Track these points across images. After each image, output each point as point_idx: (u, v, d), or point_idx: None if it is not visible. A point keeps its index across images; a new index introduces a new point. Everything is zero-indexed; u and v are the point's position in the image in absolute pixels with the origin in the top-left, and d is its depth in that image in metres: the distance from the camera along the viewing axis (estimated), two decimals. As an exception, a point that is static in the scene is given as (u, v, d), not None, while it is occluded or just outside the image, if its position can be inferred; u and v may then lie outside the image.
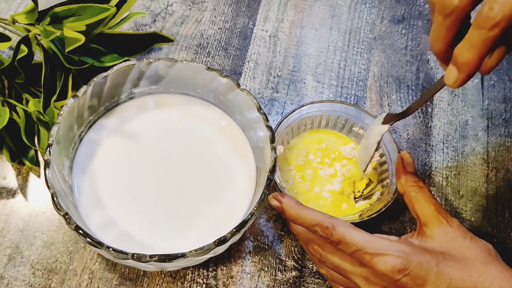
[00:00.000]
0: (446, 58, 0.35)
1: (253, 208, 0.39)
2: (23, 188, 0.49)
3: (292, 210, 0.41)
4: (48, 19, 0.49)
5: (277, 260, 0.47)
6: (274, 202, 0.42)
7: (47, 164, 0.39)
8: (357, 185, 0.50)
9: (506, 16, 0.30)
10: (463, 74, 0.34)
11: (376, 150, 0.45)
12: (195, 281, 0.46)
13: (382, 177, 0.49)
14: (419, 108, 0.41)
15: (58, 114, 0.42)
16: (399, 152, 0.46)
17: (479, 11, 0.31)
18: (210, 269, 0.46)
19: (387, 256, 0.37)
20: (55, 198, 0.38)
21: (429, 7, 0.34)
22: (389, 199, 0.46)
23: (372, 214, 0.45)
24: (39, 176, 0.50)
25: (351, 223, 0.40)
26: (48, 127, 0.49)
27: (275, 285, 0.46)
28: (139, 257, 0.36)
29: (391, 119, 0.44)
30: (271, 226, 0.49)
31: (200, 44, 0.59)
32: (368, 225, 0.49)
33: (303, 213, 0.40)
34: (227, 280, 0.46)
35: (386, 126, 0.44)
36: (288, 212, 0.41)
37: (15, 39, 0.52)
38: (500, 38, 0.32)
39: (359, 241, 0.38)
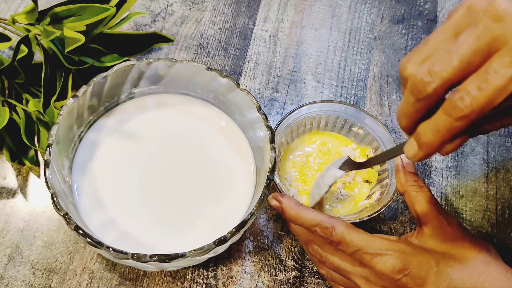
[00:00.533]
0: (411, 131, 0.34)
1: (253, 208, 0.39)
2: (23, 188, 0.49)
3: (292, 211, 0.41)
4: (48, 19, 0.49)
5: (277, 260, 0.47)
6: (274, 202, 0.42)
7: (47, 164, 0.39)
8: (368, 175, 0.50)
9: (475, 110, 0.29)
10: (423, 152, 0.33)
11: (326, 192, 0.45)
12: (195, 281, 0.46)
13: (381, 177, 0.49)
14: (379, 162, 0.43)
15: (58, 114, 0.42)
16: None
17: (450, 96, 0.30)
18: (210, 269, 0.46)
19: (387, 256, 0.37)
20: (55, 198, 0.38)
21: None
22: (389, 199, 0.46)
23: (372, 214, 0.45)
24: (39, 176, 0.50)
25: (351, 223, 0.40)
26: (48, 127, 0.49)
27: (275, 285, 0.46)
28: (139, 257, 0.36)
29: (349, 166, 0.44)
30: (271, 226, 0.49)
31: (200, 44, 0.59)
32: (368, 225, 0.49)
33: (302, 213, 0.40)
34: (227, 280, 0.46)
35: (342, 173, 0.44)
36: (288, 212, 0.41)
37: (15, 39, 0.52)
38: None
39: (359, 241, 0.38)
